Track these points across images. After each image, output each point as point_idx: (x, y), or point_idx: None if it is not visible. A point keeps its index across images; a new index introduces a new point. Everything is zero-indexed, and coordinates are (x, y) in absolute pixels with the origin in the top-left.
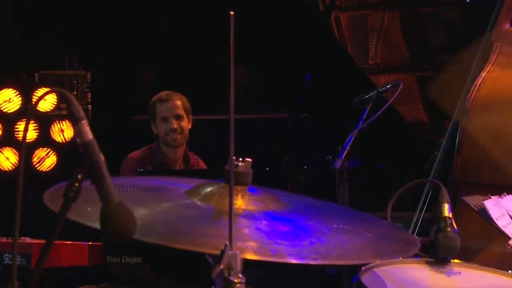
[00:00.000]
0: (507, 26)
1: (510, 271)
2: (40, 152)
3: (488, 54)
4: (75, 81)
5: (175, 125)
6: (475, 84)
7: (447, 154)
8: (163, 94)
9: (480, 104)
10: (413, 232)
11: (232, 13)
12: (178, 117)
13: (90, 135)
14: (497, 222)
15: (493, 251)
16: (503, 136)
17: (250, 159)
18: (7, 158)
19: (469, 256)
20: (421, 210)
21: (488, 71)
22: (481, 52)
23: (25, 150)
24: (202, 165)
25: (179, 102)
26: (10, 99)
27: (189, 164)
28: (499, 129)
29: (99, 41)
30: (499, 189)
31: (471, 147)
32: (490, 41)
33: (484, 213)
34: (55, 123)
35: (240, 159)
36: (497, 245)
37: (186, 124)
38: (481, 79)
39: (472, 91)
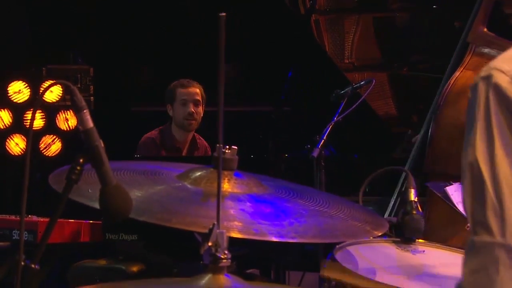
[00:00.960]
0: (483, 28)
1: None
2: (47, 139)
3: (463, 54)
4: (79, 75)
5: (192, 109)
6: (448, 82)
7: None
8: (184, 80)
9: (451, 100)
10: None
11: (223, 14)
12: (196, 103)
13: (91, 123)
14: (458, 206)
15: (457, 233)
16: None
17: (236, 147)
18: (17, 144)
19: (437, 237)
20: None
21: (461, 70)
22: (457, 52)
23: (33, 136)
24: (206, 145)
25: (198, 89)
26: (20, 90)
27: (196, 146)
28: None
29: (102, 39)
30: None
31: (441, 140)
32: (466, 42)
33: (447, 198)
34: (60, 113)
35: (227, 146)
36: (460, 228)
37: (201, 111)
38: (455, 77)
39: (446, 89)
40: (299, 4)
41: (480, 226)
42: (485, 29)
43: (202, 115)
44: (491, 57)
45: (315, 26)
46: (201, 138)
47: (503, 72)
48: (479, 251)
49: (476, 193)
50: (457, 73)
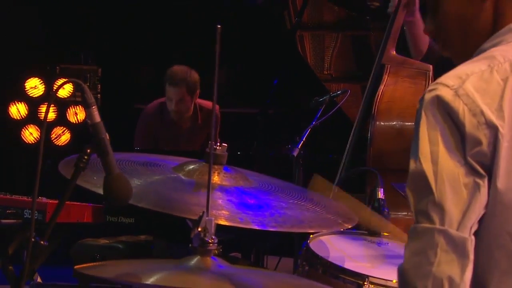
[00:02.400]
0: (393, 52)
1: None
2: (57, 130)
3: (381, 73)
4: (88, 74)
5: (175, 107)
6: (376, 95)
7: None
8: (176, 75)
9: (383, 110)
10: None
11: (219, 26)
12: (181, 100)
13: (98, 118)
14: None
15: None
16: (403, 131)
17: (226, 144)
18: (31, 133)
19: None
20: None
21: (384, 86)
22: (374, 72)
23: (46, 127)
24: (209, 104)
25: (184, 89)
26: (35, 86)
27: (197, 119)
28: (400, 127)
29: (109, 42)
30: (404, 173)
31: (379, 141)
32: (381, 63)
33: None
34: (70, 107)
35: (218, 143)
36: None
37: (190, 103)
38: (381, 91)
39: (376, 101)
40: (285, 20)
41: (422, 215)
42: (394, 52)
43: (195, 99)
44: (404, 74)
45: (299, 40)
46: (206, 102)
47: (447, 86)
48: (420, 236)
49: (420, 188)
50: (381, 87)
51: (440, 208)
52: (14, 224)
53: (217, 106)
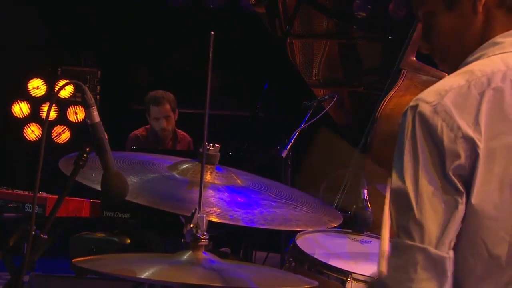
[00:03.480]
0: (412, 57)
1: None
2: (58, 128)
3: (397, 78)
4: (88, 76)
5: (165, 125)
6: (384, 99)
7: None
8: (157, 95)
9: (385, 115)
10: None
11: (212, 33)
12: (167, 118)
13: (97, 118)
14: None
15: None
16: None
17: (218, 145)
18: (33, 131)
19: (377, 228)
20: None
21: (395, 91)
22: (392, 77)
23: (47, 126)
24: (188, 138)
25: (168, 106)
26: (38, 86)
27: (177, 139)
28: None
29: (108, 46)
30: None
31: (378, 145)
32: (399, 68)
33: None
34: (71, 107)
35: (211, 144)
36: None
37: (173, 120)
38: (390, 96)
39: (382, 105)
40: (277, 28)
41: (403, 231)
42: (414, 58)
43: (176, 118)
44: (419, 80)
45: (289, 47)
46: (184, 134)
47: (427, 102)
48: (401, 252)
49: (401, 203)
50: (392, 92)
51: (420, 226)
52: (15, 217)
53: (189, 138)
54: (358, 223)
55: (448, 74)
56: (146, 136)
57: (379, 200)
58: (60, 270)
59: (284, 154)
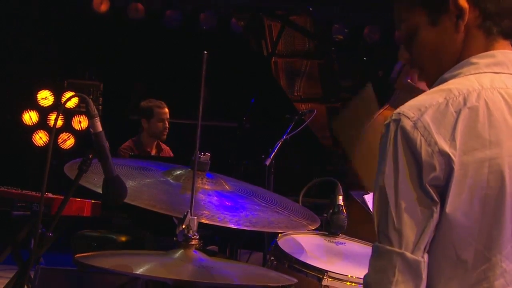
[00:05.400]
0: (407, 79)
1: None
2: (63, 135)
3: (390, 96)
4: (91, 89)
5: (167, 125)
6: (375, 114)
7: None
8: (158, 102)
9: (370, 130)
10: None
11: (205, 52)
12: (168, 120)
13: (100, 128)
14: (372, 211)
15: (370, 230)
16: None
17: (209, 153)
18: (40, 138)
19: (354, 232)
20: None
21: (384, 109)
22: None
23: (54, 133)
24: (168, 149)
25: (167, 109)
26: (46, 97)
27: (160, 149)
28: None
29: (110, 62)
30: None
31: (360, 160)
32: (392, 89)
33: (364, 204)
34: (75, 116)
35: (202, 153)
36: (372, 227)
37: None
38: (379, 113)
39: (371, 120)
40: (263, 48)
41: (383, 236)
42: (409, 80)
43: None
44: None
45: (274, 65)
46: (166, 146)
47: (408, 118)
48: (381, 256)
49: (382, 211)
50: (381, 109)
51: (399, 232)
52: (23, 215)
53: (168, 147)
54: (333, 226)
55: (426, 83)
56: (132, 147)
57: (353, 206)
58: (63, 264)
59: (268, 163)
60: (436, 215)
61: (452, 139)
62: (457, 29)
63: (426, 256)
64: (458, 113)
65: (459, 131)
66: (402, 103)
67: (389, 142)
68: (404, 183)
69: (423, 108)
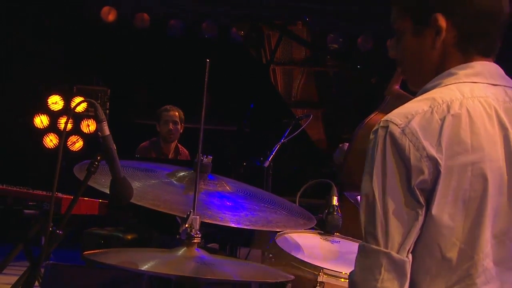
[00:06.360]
0: (396, 86)
1: None
2: (73, 138)
3: (380, 102)
4: (99, 94)
5: (171, 127)
6: (363, 120)
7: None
8: (168, 106)
9: (362, 133)
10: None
11: (208, 60)
12: (174, 123)
13: (108, 131)
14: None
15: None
16: None
17: (211, 156)
18: (51, 140)
19: (347, 231)
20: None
21: (374, 114)
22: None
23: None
24: (187, 152)
25: (176, 113)
26: (56, 102)
27: (178, 153)
28: None
29: (116, 69)
30: None
31: (352, 161)
32: (384, 94)
33: (357, 204)
34: (84, 120)
35: (205, 155)
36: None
37: (179, 129)
38: (369, 118)
39: (360, 125)
40: (261, 56)
41: (370, 236)
42: (397, 87)
43: (181, 131)
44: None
45: (272, 73)
46: (184, 148)
47: (396, 124)
48: (368, 255)
49: (370, 212)
50: (372, 115)
51: (385, 233)
52: (34, 214)
53: (187, 152)
54: (329, 226)
55: (407, 83)
56: (149, 148)
57: (347, 206)
58: (72, 260)
59: (266, 165)
60: (421, 218)
61: (438, 144)
62: (434, 45)
63: (410, 256)
64: (443, 120)
65: (444, 137)
66: (392, 108)
67: (377, 147)
68: (391, 186)
69: (409, 115)
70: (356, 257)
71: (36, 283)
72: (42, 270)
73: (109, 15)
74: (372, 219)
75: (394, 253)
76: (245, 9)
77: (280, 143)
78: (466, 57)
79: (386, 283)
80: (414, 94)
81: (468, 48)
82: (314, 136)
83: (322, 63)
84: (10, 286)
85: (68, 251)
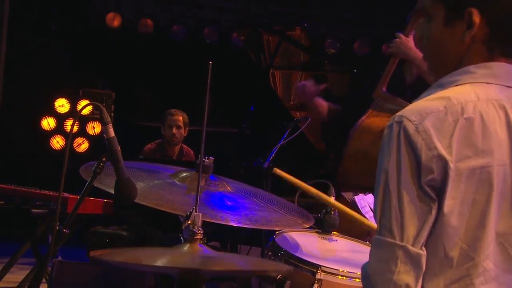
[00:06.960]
0: (383, 89)
1: (367, 241)
2: (78, 140)
3: (368, 103)
4: (104, 97)
5: (174, 131)
6: (357, 122)
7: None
8: (172, 110)
9: (356, 135)
10: None
11: (210, 62)
12: (178, 127)
13: (112, 134)
14: (362, 211)
15: (357, 227)
16: (369, 157)
17: (212, 157)
18: (57, 142)
19: (343, 229)
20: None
21: (366, 116)
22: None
23: (71, 138)
24: (192, 153)
25: (180, 117)
26: (62, 105)
27: (182, 155)
28: (367, 152)
29: (121, 73)
30: (363, 189)
31: (349, 161)
32: (373, 96)
33: (354, 204)
34: (89, 122)
35: (206, 156)
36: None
37: (183, 132)
38: (362, 120)
39: (355, 126)
40: (261, 61)
41: (385, 230)
42: (385, 89)
43: (185, 134)
44: (386, 108)
45: (272, 77)
46: (189, 149)
47: (410, 121)
48: (384, 247)
49: (385, 205)
50: (363, 117)
51: (400, 227)
52: (41, 213)
53: (192, 152)
54: (326, 225)
55: (427, 67)
56: (154, 149)
57: (344, 205)
58: (78, 257)
59: (266, 165)
60: (434, 211)
61: (449, 146)
62: (463, 37)
63: (424, 250)
64: (456, 122)
65: (455, 139)
66: (381, 110)
67: (393, 141)
68: (406, 180)
69: (424, 113)
70: (371, 250)
71: (43, 280)
72: (49, 267)
73: (114, 21)
74: (388, 213)
75: (410, 246)
76: (245, 15)
77: (279, 144)
78: (491, 56)
79: (402, 275)
80: (401, 96)
81: (496, 48)
82: (313, 138)
83: (320, 67)
84: (18, 283)
85: (74, 249)
